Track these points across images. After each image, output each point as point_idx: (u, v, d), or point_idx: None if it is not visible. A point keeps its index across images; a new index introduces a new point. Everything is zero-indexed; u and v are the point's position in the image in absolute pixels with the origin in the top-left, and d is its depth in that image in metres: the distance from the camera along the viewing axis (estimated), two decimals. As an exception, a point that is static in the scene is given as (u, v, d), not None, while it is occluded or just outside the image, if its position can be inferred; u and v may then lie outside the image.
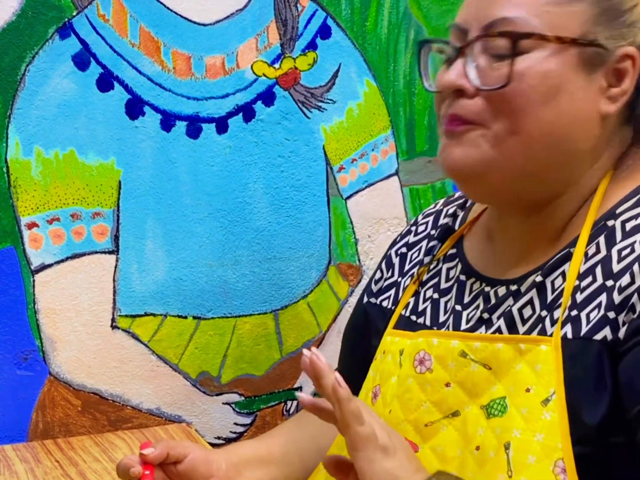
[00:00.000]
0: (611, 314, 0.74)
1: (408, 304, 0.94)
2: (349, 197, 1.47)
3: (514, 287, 0.82)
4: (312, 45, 1.40)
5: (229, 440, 1.43)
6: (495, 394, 0.78)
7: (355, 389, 0.98)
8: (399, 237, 1.03)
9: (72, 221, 1.29)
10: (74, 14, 1.26)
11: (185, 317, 1.38)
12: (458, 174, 0.84)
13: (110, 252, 1.32)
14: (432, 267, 0.94)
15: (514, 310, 0.80)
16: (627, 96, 0.80)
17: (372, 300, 1.00)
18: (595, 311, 0.75)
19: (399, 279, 0.98)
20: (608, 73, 0.80)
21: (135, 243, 1.33)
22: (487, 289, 0.86)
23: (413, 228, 1.02)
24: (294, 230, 1.43)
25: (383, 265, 1.02)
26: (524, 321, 0.80)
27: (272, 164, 1.40)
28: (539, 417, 0.74)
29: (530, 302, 0.80)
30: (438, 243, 0.95)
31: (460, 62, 0.80)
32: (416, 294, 0.94)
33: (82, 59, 1.27)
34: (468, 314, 0.86)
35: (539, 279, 0.80)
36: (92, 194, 1.30)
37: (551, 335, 0.77)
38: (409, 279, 0.96)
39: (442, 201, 1.03)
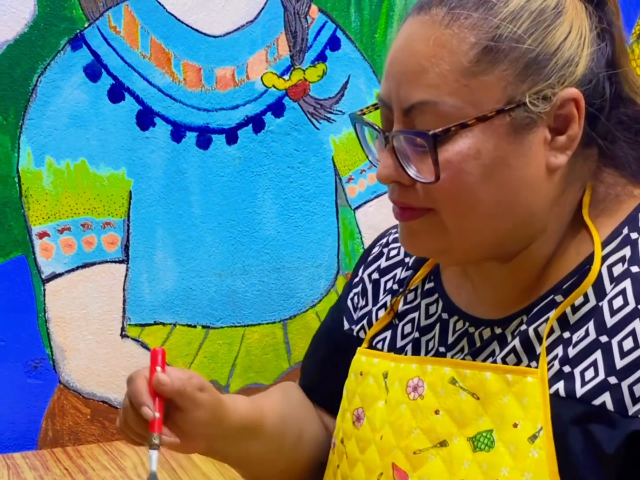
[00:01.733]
0: (612, 380, 0.70)
1: (385, 339, 0.90)
2: (357, 208, 1.47)
3: (498, 330, 0.80)
4: (321, 57, 1.41)
5: (237, 449, 1.43)
6: (482, 426, 0.76)
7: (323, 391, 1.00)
8: (371, 258, 0.99)
9: (83, 231, 1.30)
10: (86, 25, 1.27)
11: (195, 326, 1.39)
12: (422, 256, 0.84)
13: (120, 262, 1.33)
14: (408, 299, 0.91)
15: (498, 359, 0.77)
16: (577, 142, 0.74)
17: (353, 327, 0.97)
18: (591, 371, 0.72)
19: (372, 308, 0.94)
20: (550, 123, 0.73)
21: (145, 253, 1.34)
22: (471, 329, 0.83)
23: (385, 250, 0.98)
24: (302, 240, 1.44)
25: (359, 290, 0.98)
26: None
27: (281, 174, 1.41)
28: (526, 455, 0.72)
29: (514, 350, 0.77)
30: (413, 273, 0.92)
31: (389, 153, 0.75)
32: (392, 327, 0.91)
33: (94, 70, 1.28)
34: (452, 356, 0.83)
35: (523, 327, 0.77)
36: (102, 204, 1.31)
37: (537, 367, 0.74)
38: (383, 309, 0.93)
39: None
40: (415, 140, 0.73)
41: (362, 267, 1.01)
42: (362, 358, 0.90)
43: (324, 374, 1.03)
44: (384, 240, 1.00)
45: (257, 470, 0.98)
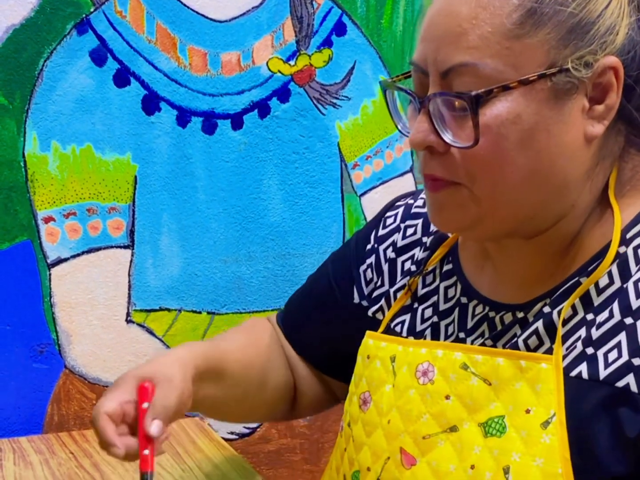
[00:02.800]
0: (636, 361, 0.70)
1: (403, 322, 0.91)
2: (363, 194, 1.47)
3: (520, 315, 0.79)
4: (327, 43, 1.40)
5: (242, 436, 1.43)
6: (494, 412, 0.76)
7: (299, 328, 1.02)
8: (386, 230, 0.98)
9: (88, 215, 1.30)
10: (92, 10, 1.27)
11: (200, 312, 1.39)
12: (451, 232, 0.83)
13: (125, 247, 1.33)
14: (427, 281, 0.91)
15: (520, 341, 0.77)
16: (614, 111, 0.74)
17: (364, 303, 0.98)
18: (615, 352, 0.71)
19: (390, 289, 0.94)
20: (588, 92, 0.73)
21: (150, 238, 1.34)
22: (491, 314, 0.83)
23: (402, 225, 0.97)
24: (308, 226, 1.43)
25: (372, 262, 0.98)
26: (530, 352, 0.77)
27: (286, 160, 1.40)
28: (538, 441, 0.72)
29: (536, 332, 0.76)
30: (430, 253, 0.91)
31: (425, 117, 0.74)
32: (411, 311, 0.91)
33: (99, 55, 1.28)
34: (472, 341, 0.83)
35: (547, 309, 0.77)
36: (108, 189, 1.31)
37: (551, 353, 0.74)
38: (401, 291, 0.93)
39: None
40: (454, 103, 0.72)
41: (373, 234, 1.00)
42: (369, 341, 0.90)
43: (310, 329, 1.04)
44: (399, 212, 0.99)
45: (219, 413, 1.01)
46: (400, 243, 0.96)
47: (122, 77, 1.30)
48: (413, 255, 0.94)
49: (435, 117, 0.74)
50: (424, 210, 0.96)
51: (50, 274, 1.30)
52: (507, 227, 0.78)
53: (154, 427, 0.81)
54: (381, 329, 0.92)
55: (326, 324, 1.03)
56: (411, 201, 0.99)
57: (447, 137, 0.73)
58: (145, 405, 0.81)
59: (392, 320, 0.92)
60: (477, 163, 0.73)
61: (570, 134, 0.73)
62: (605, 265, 0.75)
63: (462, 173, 0.74)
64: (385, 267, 0.96)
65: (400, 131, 0.80)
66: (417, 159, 0.79)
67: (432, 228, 0.94)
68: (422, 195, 0.99)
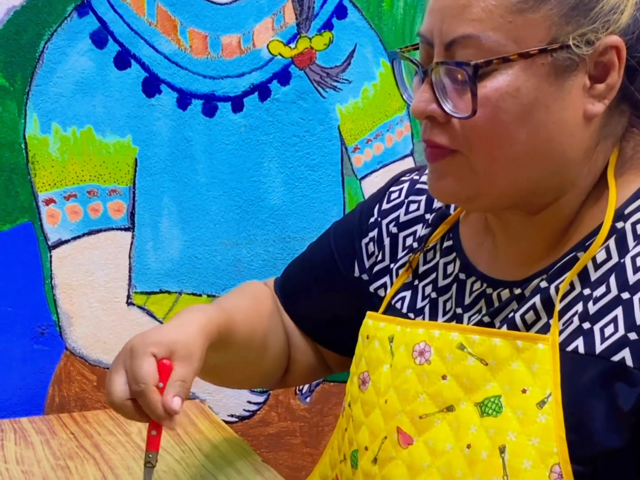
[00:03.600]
0: (632, 335, 0.70)
1: (404, 298, 0.91)
2: (363, 178, 1.47)
3: (517, 291, 0.80)
4: (328, 25, 1.40)
5: (242, 418, 1.44)
6: (490, 392, 0.77)
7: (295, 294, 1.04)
8: (390, 204, 0.99)
9: (89, 198, 1.30)
10: (92, -8, 1.27)
11: (200, 295, 1.40)
12: (448, 202, 0.83)
13: (126, 229, 1.33)
14: (428, 257, 0.91)
15: (517, 316, 0.78)
16: (615, 91, 0.74)
17: (364, 277, 0.99)
18: (611, 327, 0.72)
19: (391, 265, 0.95)
20: (589, 70, 0.73)
21: (150, 220, 1.34)
22: (489, 290, 0.83)
23: (406, 201, 0.98)
24: (308, 209, 1.44)
25: (375, 236, 0.99)
26: (527, 327, 0.77)
27: (287, 143, 1.41)
28: (534, 420, 0.73)
29: (533, 307, 0.77)
30: (431, 230, 0.92)
31: (427, 86, 0.75)
32: (412, 288, 0.91)
33: (100, 37, 1.28)
34: (469, 317, 0.83)
35: (544, 284, 0.77)
36: (108, 171, 1.31)
37: (547, 333, 0.74)
38: (402, 267, 0.93)
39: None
40: (455, 74, 0.74)
41: (377, 207, 1.00)
42: (369, 322, 0.91)
43: (309, 300, 1.05)
44: (403, 187, 1.00)
45: (217, 377, 1.03)
46: (402, 218, 0.97)
47: (123, 60, 1.29)
48: (415, 232, 0.95)
49: (437, 87, 0.75)
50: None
51: (51, 256, 1.30)
52: (505, 201, 0.79)
53: (175, 401, 0.80)
54: (383, 306, 0.92)
55: (326, 295, 1.04)
56: (416, 177, 1.00)
57: (447, 107, 0.74)
58: (160, 385, 0.81)
59: (393, 297, 0.92)
60: (476, 134, 0.74)
61: (569, 111, 0.74)
62: (599, 240, 0.75)
63: (461, 141, 0.75)
64: (387, 242, 0.97)
65: (405, 101, 0.82)
66: (418, 142, 0.80)
67: (435, 205, 0.95)
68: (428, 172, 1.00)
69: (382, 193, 1.02)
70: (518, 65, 0.72)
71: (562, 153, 0.75)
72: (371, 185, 1.47)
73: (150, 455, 0.83)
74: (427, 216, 0.94)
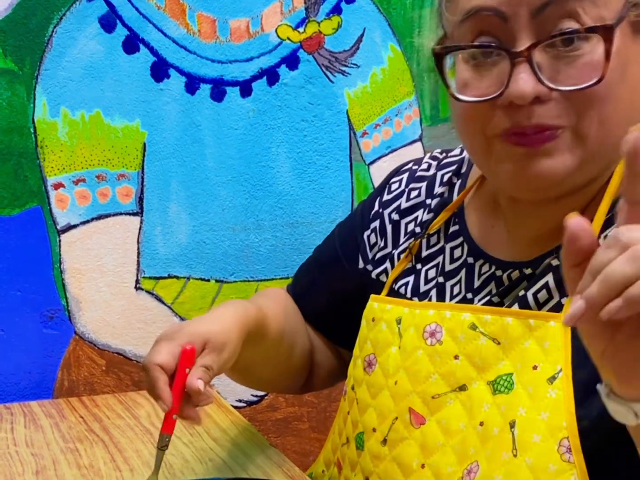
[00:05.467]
0: None
1: (407, 283, 0.91)
2: (371, 163, 1.47)
3: (528, 271, 0.80)
4: (336, 10, 1.40)
5: (250, 403, 1.44)
6: (502, 370, 0.77)
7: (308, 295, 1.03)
8: (390, 196, 0.99)
9: (98, 182, 1.30)
10: (101, -24, 1.27)
11: (208, 280, 1.40)
12: (544, 187, 0.77)
13: (134, 214, 1.34)
14: (431, 242, 0.91)
15: (529, 295, 0.78)
16: None
17: (369, 267, 0.98)
18: None
19: (393, 251, 0.95)
20: None
21: (159, 205, 1.34)
22: (498, 272, 0.83)
23: (406, 190, 0.97)
24: (316, 195, 1.44)
25: (377, 226, 0.99)
26: (539, 306, 0.77)
27: (295, 128, 1.40)
28: (544, 395, 0.73)
29: (546, 286, 0.77)
30: (434, 216, 0.92)
31: (524, 67, 0.72)
32: (415, 272, 0.91)
33: (109, 21, 1.28)
34: (479, 300, 0.83)
35: (555, 262, 0.77)
36: (117, 156, 1.31)
37: (560, 311, 0.74)
38: (403, 252, 0.93)
39: (433, 163, 0.98)
40: (557, 44, 0.72)
41: (378, 200, 1.00)
42: (374, 305, 0.91)
43: (317, 295, 1.05)
44: (403, 177, 1.00)
45: (246, 376, 1.04)
46: (404, 205, 0.97)
47: (131, 44, 1.29)
48: (416, 217, 0.95)
49: (538, 64, 0.72)
50: (429, 173, 0.97)
51: (60, 240, 1.30)
52: (577, 180, 0.77)
53: (200, 383, 0.82)
54: (385, 291, 0.92)
55: (332, 290, 1.04)
56: (415, 166, 1.00)
57: (558, 83, 0.72)
58: (188, 371, 0.82)
59: (395, 282, 0.92)
60: (585, 100, 0.73)
61: None
62: (607, 199, 0.75)
63: (568, 115, 0.74)
64: (389, 229, 0.97)
65: (451, 95, 0.78)
66: (476, 117, 0.76)
67: (436, 190, 0.94)
68: (426, 160, 1.00)
69: (382, 186, 1.02)
70: (618, 28, 0.72)
71: None
72: (379, 170, 1.47)
73: (167, 439, 0.84)
74: (429, 201, 0.94)
